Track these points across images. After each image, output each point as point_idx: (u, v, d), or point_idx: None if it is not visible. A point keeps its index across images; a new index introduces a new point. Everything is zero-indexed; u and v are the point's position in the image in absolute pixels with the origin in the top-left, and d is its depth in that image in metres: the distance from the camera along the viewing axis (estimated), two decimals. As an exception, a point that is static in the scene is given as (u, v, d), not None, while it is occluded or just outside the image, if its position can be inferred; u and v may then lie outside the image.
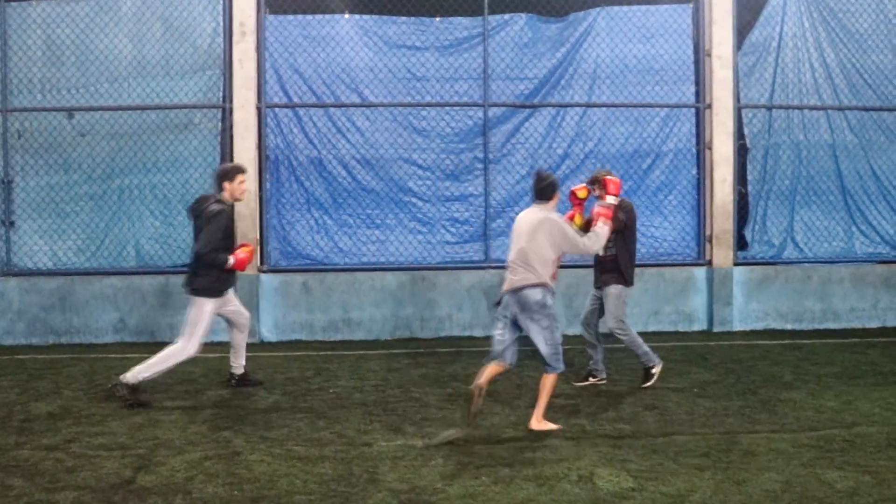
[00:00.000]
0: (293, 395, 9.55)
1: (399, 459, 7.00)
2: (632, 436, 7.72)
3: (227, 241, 9.33)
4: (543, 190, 8.14)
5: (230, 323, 9.87)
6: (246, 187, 9.79)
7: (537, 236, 7.93)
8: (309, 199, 13.86)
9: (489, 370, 7.93)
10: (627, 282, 9.75)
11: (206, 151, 13.62)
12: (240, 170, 9.63)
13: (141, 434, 7.83)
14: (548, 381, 8.01)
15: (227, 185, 9.45)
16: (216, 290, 9.34)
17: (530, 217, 8.08)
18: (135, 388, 9.05)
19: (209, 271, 9.23)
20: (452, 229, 14.04)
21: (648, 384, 9.76)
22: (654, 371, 9.83)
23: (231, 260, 9.25)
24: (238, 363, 9.98)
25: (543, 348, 7.92)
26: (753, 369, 10.71)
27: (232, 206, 9.66)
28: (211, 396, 9.50)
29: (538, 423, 8.00)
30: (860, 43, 14.64)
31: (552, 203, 8.17)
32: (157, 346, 12.20)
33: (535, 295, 7.84)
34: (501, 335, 8.00)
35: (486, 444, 7.48)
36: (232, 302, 9.77)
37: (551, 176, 8.24)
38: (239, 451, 7.24)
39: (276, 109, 13.79)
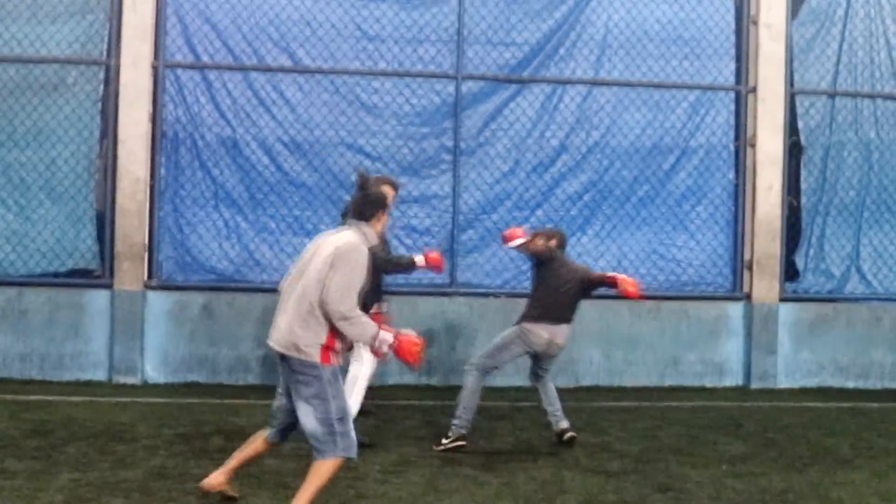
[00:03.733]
0: (184, 457, 8.71)
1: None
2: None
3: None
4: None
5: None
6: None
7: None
8: (217, 192, 13.01)
9: None
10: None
11: (81, 122, 12.72)
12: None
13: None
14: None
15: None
16: None
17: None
18: None
19: None
20: (409, 241, 13.23)
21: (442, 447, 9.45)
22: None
23: None
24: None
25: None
26: (802, 440, 10.23)
27: None
28: (71, 456, 8.61)
29: None
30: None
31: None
32: (4, 383, 12.11)
33: None
34: None
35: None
36: None
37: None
38: (103, 533, 6.52)
39: (179, 70, 13.02)
